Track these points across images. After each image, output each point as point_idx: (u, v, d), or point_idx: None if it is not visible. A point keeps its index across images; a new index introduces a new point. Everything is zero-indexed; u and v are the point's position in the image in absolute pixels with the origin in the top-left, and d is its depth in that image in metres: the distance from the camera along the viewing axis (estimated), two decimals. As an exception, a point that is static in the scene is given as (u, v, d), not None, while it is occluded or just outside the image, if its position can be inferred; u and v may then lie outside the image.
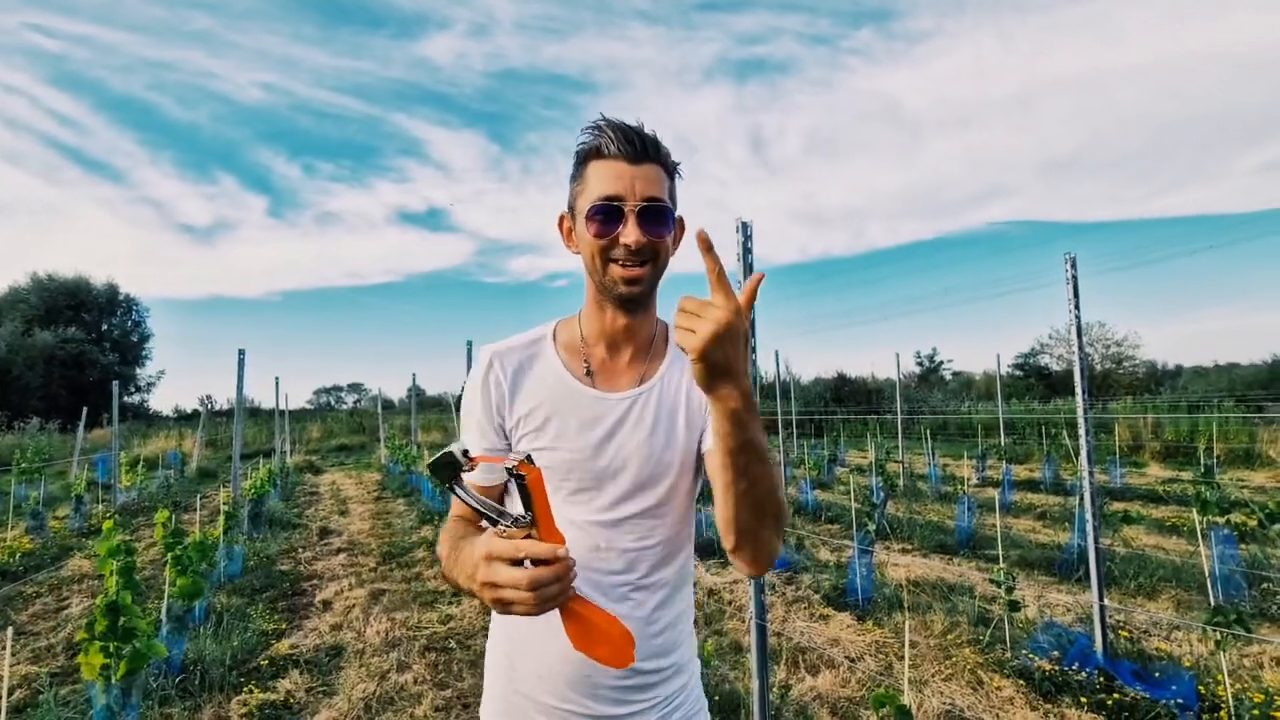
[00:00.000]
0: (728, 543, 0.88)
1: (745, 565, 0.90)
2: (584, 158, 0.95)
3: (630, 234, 0.89)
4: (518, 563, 0.71)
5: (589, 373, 0.99)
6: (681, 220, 0.99)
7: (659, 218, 0.91)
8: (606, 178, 0.91)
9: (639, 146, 0.91)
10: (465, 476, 0.78)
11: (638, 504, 0.96)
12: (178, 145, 60.32)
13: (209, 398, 34.99)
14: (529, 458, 0.73)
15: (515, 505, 0.77)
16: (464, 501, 0.77)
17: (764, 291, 0.78)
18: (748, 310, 0.73)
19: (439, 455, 0.74)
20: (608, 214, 0.90)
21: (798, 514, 7.69)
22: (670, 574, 0.99)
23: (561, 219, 1.01)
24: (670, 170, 0.96)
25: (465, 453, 0.74)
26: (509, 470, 0.73)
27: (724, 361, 0.71)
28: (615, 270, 0.92)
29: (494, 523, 0.76)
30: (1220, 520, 4.86)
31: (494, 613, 1.04)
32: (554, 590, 0.71)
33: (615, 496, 0.95)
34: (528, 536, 0.73)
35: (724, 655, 3.68)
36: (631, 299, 0.94)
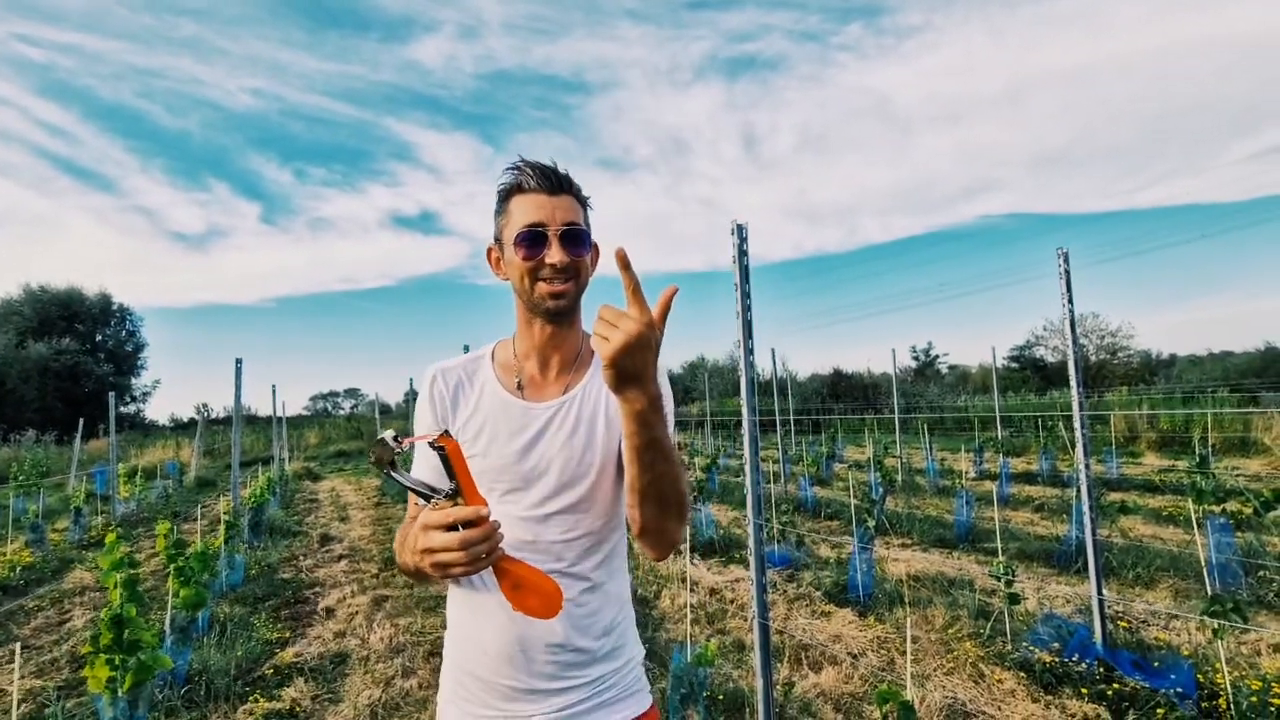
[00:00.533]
0: (634, 529, 1.01)
1: (649, 550, 1.04)
2: (507, 194, 1.08)
3: (554, 254, 1.02)
4: (452, 529, 0.82)
5: (520, 386, 1.11)
6: (597, 245, 1.11)
7: (577, 239, 1.04)
8: (529, 209, 1.03)
9: (555, 181, 1.05)
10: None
11: (562, 501, 1.05)
12: (168, 153, 60.17)
13: (205, 406, 34.85)
14: (447, 432, 0.83)
15: (445, 484, 0.86)
16: (399, 483, 0.86)
17: (759, 289, 0.86)
18: (660, 323, 0.82)
19: (374, 442, 0.83)
20: (533, 239, 1.02)
21: (798, 511, 7.72)
22: (595, 562, 1.07)
23: (489, 250, 1.14)
24: (583, 201, 1.10)
25: (396, 437, 0.83)
26: (431, 445, 0.82)
27: (633, 368, 0.81)
28: (542, 288, 1.04)
29: (427, 499, 0.86)
30: (1216, 509, 4.91)
31: (448, 603, 1.14)
32: (482, 548, 0.82)
33: (542, 495, 1.05)
34: (455, 505, 0.83)
35: (727, 654, 3.70)
36: (558, 312, 1.06)
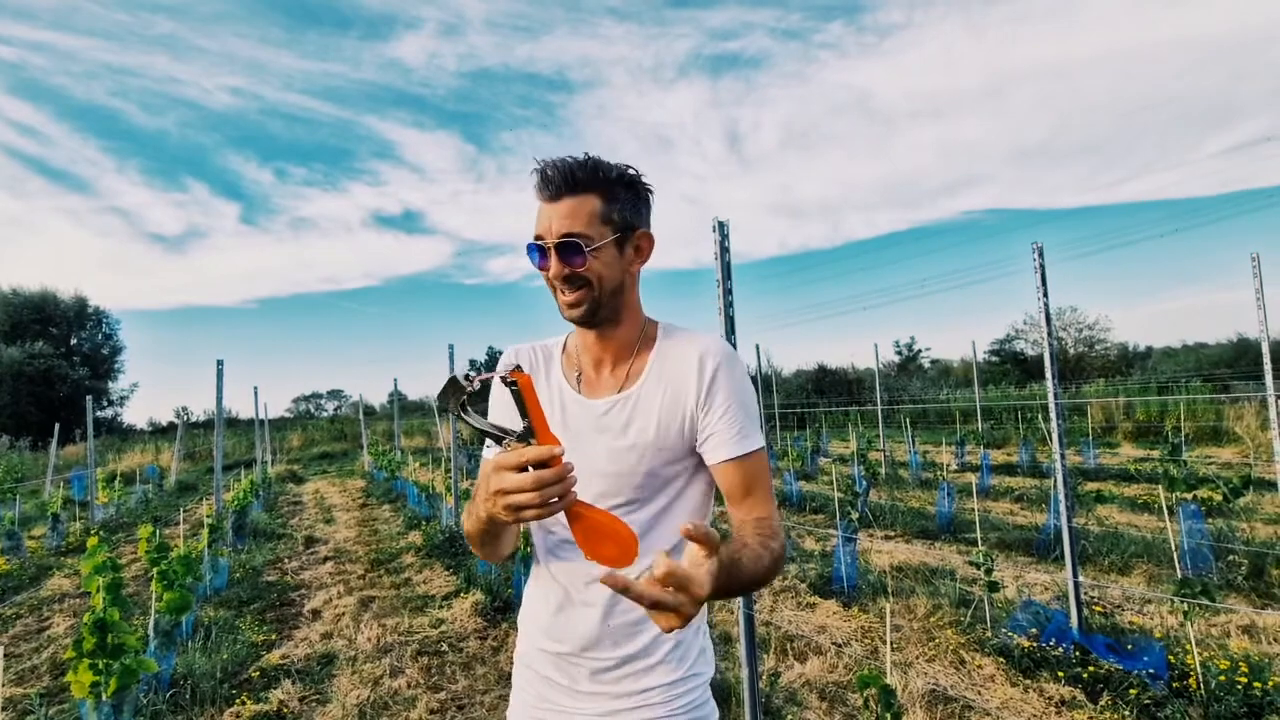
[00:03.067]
0: None
1: None
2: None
3: (553, 268, 1.00)
4: (526, 471, 0.78)
5: (579, 380, 1.10)
6: (647, 234, 1.07)
7: (572, 250, 0.98)
8: (537, 218, 1.02)
9: (555, 185, 0.98)
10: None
11: (609, 500, 1.02)
12: (144, 153, 59.08)
13: (185, 409, 34.41)
14: (519, 367, 0.80)
15: (518, 425, 0.82)
16: (470, 424, 0.82)
17: (745, 285, 0.82)
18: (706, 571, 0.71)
19: (446, 383, 0.80)
20: (536, 252, 1.02)
21: (783, 505, 7.79)
22: (644, 568, 1.01)
23: None
24: (605, 192, 1.00)
25: (467, 375, 0.81)
26: (503, 380, 0.80)
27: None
28: (558, 298, 1.03)
29: (499, 441, 0.82)
30: (1188, 496, 5.03)
31: (525, 589, 1.13)
32: (556, 489, 0.77)
33: (591, 494, 1.01)
34: (528, 446, 0.79)
35: (714, 645, 3.74)
36: (580, 320, 1.04)
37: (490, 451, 1.03)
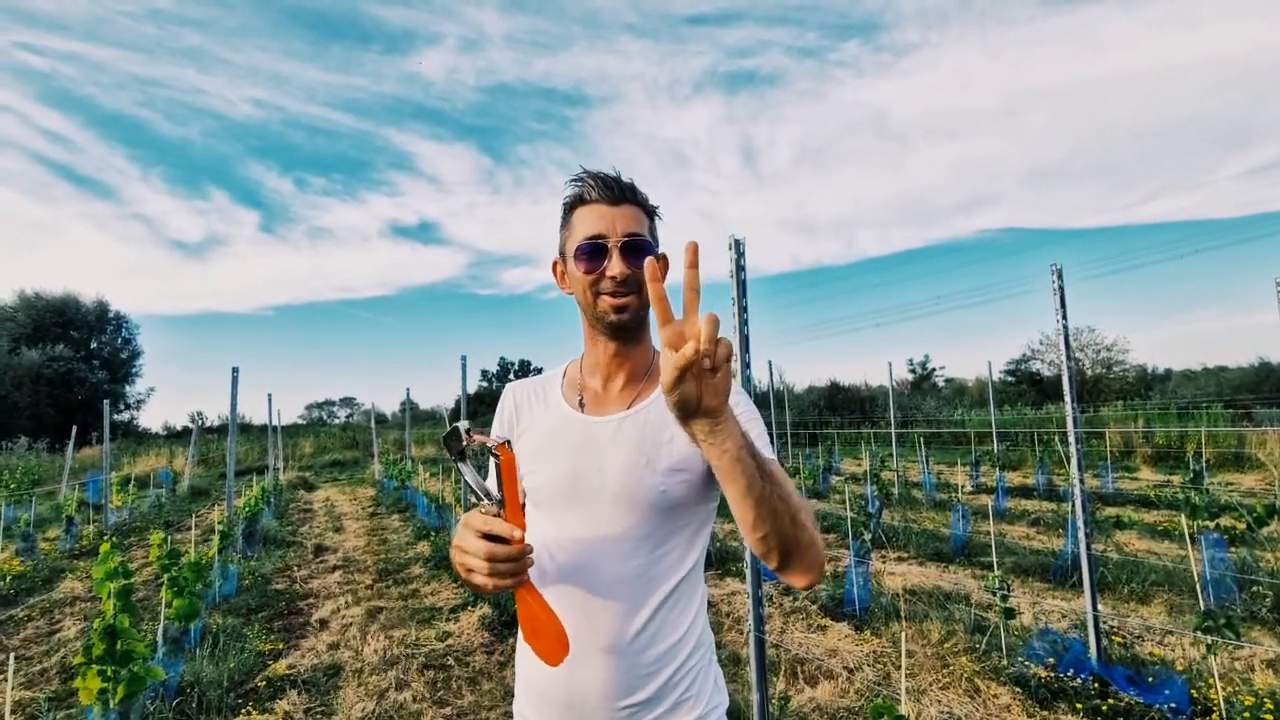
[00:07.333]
0: (771, 566, 0.86)
1: (798, 578, 0.86)
2: (570, 207, 1.05)
3: (614, 266, 0.99)
4: (491, 538, 0.81)
5: (582, 403, 1.08)
6: (665, 257, 1.08)
7: (640, 251, 1.00)
8: (590, 220, 1.01)
9: (617, 191, 1.02)
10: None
11: (618, 524, 0.97)
12: (168, 161, 60.31)
13: (200, 414, 34.74)
14: (508, 443, 0.83)
15: (496, 492, 0.86)
16: (462, 475, 0.87)
17: (758, 300, 0.83)
18: (705, 341, 0.68)
19: (449, 429, 0.85)
20: (594, 251, 1.00)
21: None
22: (658, 599, 0.97)
23: (555, 264, 1.11)
24: (649, 212, 1.06)
25: (468, 430, 0.85)
26: (488, 448, 0.83)
27: (693, 396, 0.71)
28: (605, 301, 1.01)
29: (480, 501, 0.86)
30: (1210, 524, 4.92)
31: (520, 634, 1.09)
32: (506, 568, 0.81)
33: (597, 517, 0.98)
34: (499, 516, 0.82)
35: (723, 668, 3.69)
36: (621, 326, 1.02)
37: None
